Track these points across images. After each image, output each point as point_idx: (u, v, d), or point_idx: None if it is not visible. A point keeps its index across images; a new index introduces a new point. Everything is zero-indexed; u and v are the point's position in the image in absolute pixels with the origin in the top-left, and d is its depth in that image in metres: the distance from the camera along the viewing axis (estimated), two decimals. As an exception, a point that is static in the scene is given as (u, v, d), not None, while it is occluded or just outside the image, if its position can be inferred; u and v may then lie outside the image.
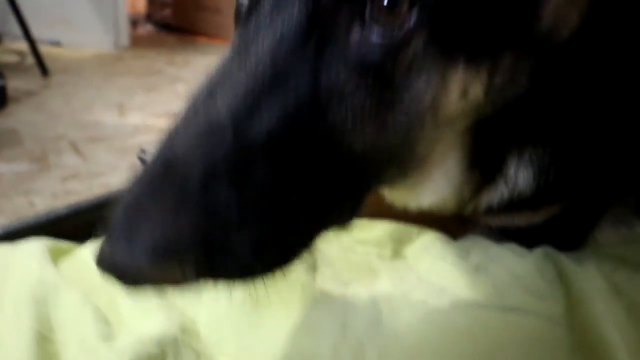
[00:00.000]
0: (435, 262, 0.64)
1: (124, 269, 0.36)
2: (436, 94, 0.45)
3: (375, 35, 0.41)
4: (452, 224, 0.76)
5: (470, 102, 0.48)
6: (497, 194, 0.66)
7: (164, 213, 0.36)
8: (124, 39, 3.63)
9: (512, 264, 0.65)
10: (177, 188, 0.37)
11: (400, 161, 0.51)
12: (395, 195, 0.66)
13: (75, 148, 1.90)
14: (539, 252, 0.69)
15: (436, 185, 0.62)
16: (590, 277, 0.62)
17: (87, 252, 0.61)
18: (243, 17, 0.46)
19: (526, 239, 0.73)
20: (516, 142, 0.64)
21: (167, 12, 4.59)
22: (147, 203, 0.37)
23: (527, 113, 0.60)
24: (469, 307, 0.55)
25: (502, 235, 0.74)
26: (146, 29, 4.52)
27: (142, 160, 0.82)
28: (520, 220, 0.72)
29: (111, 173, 1.73)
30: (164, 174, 0.38)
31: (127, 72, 3.07)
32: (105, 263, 0.37)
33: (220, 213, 0.37)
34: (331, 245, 0.62)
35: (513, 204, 0.67)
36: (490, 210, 0.69)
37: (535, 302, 0.58)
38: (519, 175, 0.65)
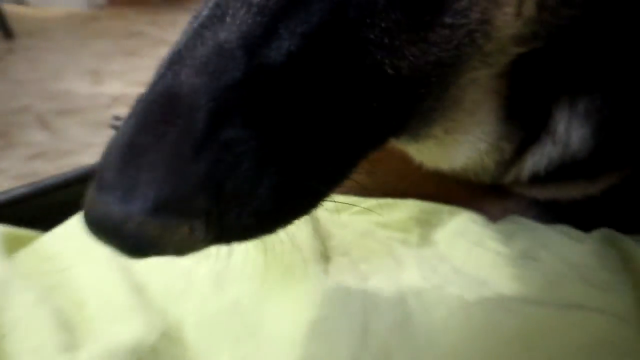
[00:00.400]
0: (472, 249, 0.60)
1: (119, 226, 0.32)
2: (487, 6, 0.44)
3: None
4: (490, 200, 0.72)
5: (524, 22, 0.47)
6: (545, 155, 0.63)
7: (168, 155, 0.33)
8: (100, -4, 3.58)
9: (567, 251, 0.61)
10: (182, 124, 0.34)
11: (436, 95, 0.51)
12: (424, 153, 0.64)
13: (43, 122, 1.86)
14: (597, 235, 0.66)
15: (469, 138, 0.60)
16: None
17: (51, 241, 0.57)
18: None
19: (581, 216, 0.69)
20: (566, 87, 0.60)
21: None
22: (147, 143, 0.34)
23: (580, 47, 0.56)
24: (517, 303, 0.51)
25: (551, 213, 0.70)
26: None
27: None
28: (573, 191, 0.68)
29: (84, 151, 1.69)
30: (165, 107, 0.35)
31: (103, 34, 3.02)
32: (96, 219, 0.33)
33: (235, 152, 0.35)
34: (346, 230, 0.58)
35: (565, 170, 0.63)
36: (536, 179, 0.65)
37: (598, 295, 0.54)
38: (571, 132, 0.61)
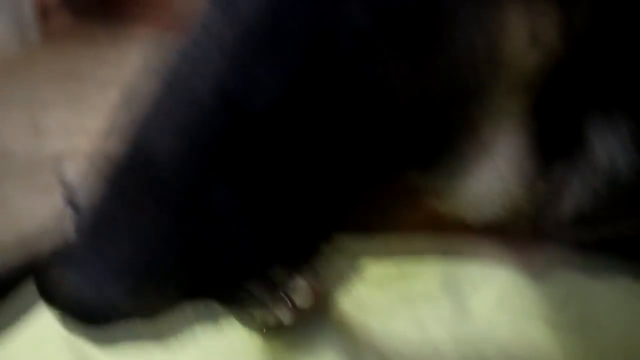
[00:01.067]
0: (518, 321, 0.60)
1: (88, 305, 0.34)
2: (494, 37, 0.46)
3: None
4: (530, 247, 0.73)
5: (545, 51, 0.49)
6: (587, 189, 0.63)
7: (145, 230, 0.36)
8: (33, 33, 3.60)
9: (632, 314, 0.61)
10: (160, 194, 0.37)
11: (450, 127, 0.53)
12: (450, 200, 0.64)
13: (-23, 189, 1.85)
14: None
15: (495, 178, 0.60)
16: None
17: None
18: None
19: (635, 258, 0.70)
20: (601, 104, 0.60)
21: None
22: (121, 216, 0.37)
23: (615, 52, 0.57)
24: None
25: (601, 258, 0.70)
26: (63, 18, 4.51)
27: (70, 199, 0.76)
28: (625, 229, 0.68)
29: (29, 220, 1.68)
30: (140, 173, 0.39)
31: (41, 77, 3.03)
32: (60, 298, 0.35)
33: (215, 215, 0.37)
34: (368, 315, 0.58)
35: (614, 207, 0.64)
36: (582, 218, 0.65)
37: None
38: (614, 157, 0.61)
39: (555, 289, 0.65)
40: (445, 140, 0.56)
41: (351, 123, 0.43)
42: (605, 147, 0.61)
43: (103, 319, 0.35)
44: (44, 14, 4.19)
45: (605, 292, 0.65)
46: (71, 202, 0.76)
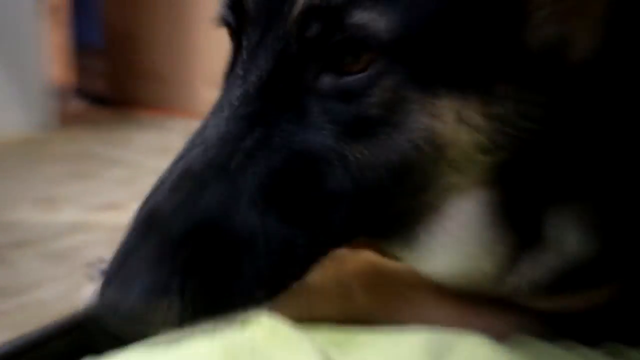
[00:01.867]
0: None
1: (119, 311, 0.44)
2: (427, 122, 0.49)
3: (344, 82, 0.49)
4: (495, 315, 0.73)
5: (471, 130, 0.51)
6: (542, 264, 0.64)
7: (149, 257, 0.44)
8: (50, 117, 3.60)
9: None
10: (160, 236, 0.45)
11: (407, 200, 0.56)
12: (419, 260, 0.66)
13: (-1, 256, 1.82)
14: (606, 352, 0.67)
15: (456, 242, 0.62)
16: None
17: None
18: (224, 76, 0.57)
19: (587, 329, 0.70)
20: (553, 193, 0.62)
21: (99, 82, 4.61)
22: (135, 249, 0.45)
23: (558, 156, 0.59)
24: None
25: (556, 325, 0.70)
26: (76, 104, 4.52)
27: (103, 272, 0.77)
28: (578, 302, 0.69)
29: (46, 285, 1.65)
30: (149, 223, 0.46)
31: (55, 158, 3.02)
32: (103, 308, 0.45)
33: (202, 257, 0.45)
34: None
35: (566, 280, 0.64)
36: (538, 289, 0.66)
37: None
38: (565, 239, 0.63)
39: (516, 351, 0.65)
40: (411, 210, 0.58)
41: (318, 196, 0.49)
42: (557, 230, 0.62)
43: (127, 323, 0.44)
44: (61, 101, 4.20)
45: (556, 352, 0.65)
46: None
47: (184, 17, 4.20)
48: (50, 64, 3.72)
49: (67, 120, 3.82)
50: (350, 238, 0.57)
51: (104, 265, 0.78)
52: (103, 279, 0.46)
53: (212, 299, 0.46)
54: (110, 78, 4.59)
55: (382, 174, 0.51)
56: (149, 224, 0.47)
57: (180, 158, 0.50)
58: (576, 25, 0.53)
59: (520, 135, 0.53)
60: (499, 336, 0.70)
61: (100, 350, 0.64)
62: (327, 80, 0.49)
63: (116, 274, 0.45)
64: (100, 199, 2.41)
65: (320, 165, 0.49)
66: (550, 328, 0.70)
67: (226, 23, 0.59)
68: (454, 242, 0.62)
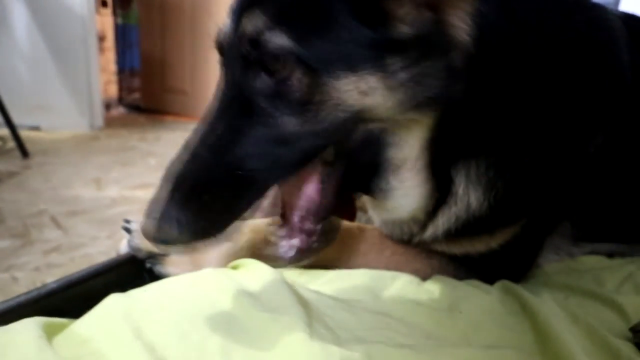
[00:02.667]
0: (414, 306, 0.60)
1: (150, 231, 0.49)
2: (337, 98, 0.50)
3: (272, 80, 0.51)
4: (420, 260, 0.73)
5: (375, 98, 0.51)
6: (452, 215, 0.64)
7: (162, 201, 0.49)
8: (99, 120, 3.54)
9: (481, 301, 0.62)
10: (169, 186, 0.50)
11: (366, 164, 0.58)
12: (378, 205, 0.67)
13: (56, 222, 1.78)
14: (499, 286, 0.68)
15: (407, 194, 0.62)
16: (549, 307, 0.61)
17: (82, 327, 0.53)
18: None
19: (484, 267, 0.70)
20: (460, 153, 0.61)
21: (136, 95, 4.54)
22: (156, 197, 0.51)
23: (461, 120, 0.58)
24: (453, 347, 0.52)
25: (465, 267, 0.71)
26: (118, 111, 4.44)
27: (128, 230, 0.77)
28: (479, 246, 0.69)
29: (92, 244, 1.63)
30: (164, 180, 0.51)
31: (103, 150, 2.97)
32: (143, 229, 0.50)
33: (192, 198, 0.50)
34: (318, 298, 0.58)
35: (470, 227, 0.64)
36: (449, 235, 0.66)
37: (508, 335, 0.56)
38: (469, 194, 0.63)
39: (434, 286, 0.65)
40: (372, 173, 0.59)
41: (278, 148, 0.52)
42: (463, 187, 0.62)
43: (157, 237, 0.49)
44: (106, 107, 4.13)
45: (463, 287, 0.64)
46: (128, 230, 0.76)
47: (199, 46, 4.16)
48: (100, 81, 3.65)
49: (111, 123, 3.75)
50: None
51: (127, 225, 0.78)
52: (147, 212, 0.51)
53: (199, 225, 0.50)
54: (144, 91, 4.53)
55: (318, 135, 0.52)
56: (165, 179, 0.51)
57: (187, 141, 0.54)
58: (449, 15, 0.52)
59: (424, 100, 0.53)
60: (424, 277, 0.70)
61: (125, 289, 0.62)
62: (263, 80, 0.52)
63: (147, 211, 0.50)
64: (136, 181, 2.38)
65: (271, 131, 0.52)
66: (462, 269, 0.71)
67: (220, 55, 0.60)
68: (399, 195, 0.62)
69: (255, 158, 0.51)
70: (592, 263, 0.79)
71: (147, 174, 2.50)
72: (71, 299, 0.67)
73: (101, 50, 4.04)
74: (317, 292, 0.61)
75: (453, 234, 0.65)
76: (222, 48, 0.57)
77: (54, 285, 0.69)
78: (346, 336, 0.51)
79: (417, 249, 0.72)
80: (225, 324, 0.50)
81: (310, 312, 0.53)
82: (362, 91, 0.51)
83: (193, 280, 0.61)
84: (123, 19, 4.67)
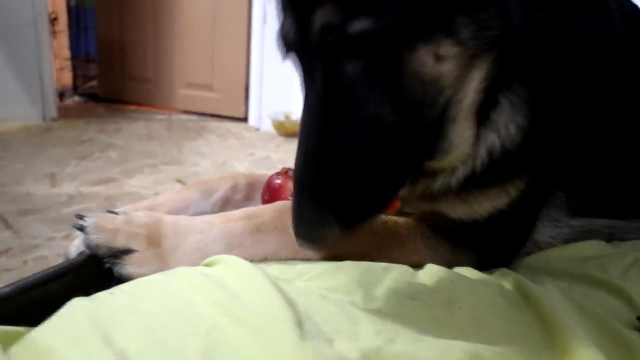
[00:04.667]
0: (409, 302, 0.59)
1: (302, 231, 0.54)
2: (417, 68, 0.54)
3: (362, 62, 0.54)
4: (414, 243, 0.73)
5: (450, 60, 0.55)
6: (484, 143, 0.65)
7: (305, 207, 0.54)
8: (52, 110, 3.43)
9: (481, 294, 0.61)
10: (303, 190, 0.55)
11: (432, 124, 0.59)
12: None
13: (6, 222, 1.71)
14: (498, 276, 0.67)
15: (463, 138, 0.64)
16: (554, 297, 0.60)
17: (41, 335, 0.49)
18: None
19: (482, 239, 0.71)
20: (506, 80, 0.64)
21: (93, 82, 4.42)
22: (300, 206, 0.55)
23: (510, 53, 0.62)
24: (457, 345, 0.50)
25: (460, 240, 0.72)
26: (74, 100, 4.31)
27: (81, 228, 0.69)
28: (486, 204, 0.70)
29: (47, 245, 1.56)
30: (297, 186, 0.56)
31: (57, 143, 2.87)
32: (298, 232, 0.55)
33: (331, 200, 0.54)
34: (306, 296, 0.56)
35: (494, 168, 0.66)
36: (471, 179, 0.67)
37: (513, 330, 0.55)
38: (506, 119, 0.65)
39: (430, 278, 0.64)
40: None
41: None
42: (500, 113, 0.64)
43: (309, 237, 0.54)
44: (60, 96, 4.00)
45: (462, 279, 0.63)
46: (81, 229, 0.70)
47: (164, 29, 4.07)
48: (52, 68, 3.53)
49: (66, 113, 3.64)
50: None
51: (81, 222, 0.72)
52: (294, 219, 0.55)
53: (346, 214, 0.54)
54: (102, 79, 4.41)
55: (413, 105, 0.55)
56: (295, 185, 0.55)
57: (298, 145, 0.56)
58: None
59: (485, 49, 0.57)
60: (419, 265, 0.69)
61: (89, 292, 0.59)
62: (352, 68, 0.54)
63: (296, 219, 0.55)
64: (95, 176, 2.31)
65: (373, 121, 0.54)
66: (459, 247, 0.72)
67: (288, 53, 0.62)
68: (456, 146, 0.63)
69: (363, 144, 0.54)
70: (595, 249, 0.80)
71: (107, 168, 2.43)
72: (27, 304, 0.63)
73: (53, 33, 3.90)
74: (304, 289, 0.59)
75: (470, 181, 0.67)
76: (293, 46, 0.59)
77: (7, 290, 0.64)
78: (339, 337, 0.49)
79: (409, 225, 0.72)
80: (205, 327, 0.48)
81: (298, 311, 0.50)
82: (438, 57, 0.54)
83: (165, 280, 0.58)
84: (77, 1, 4.53)
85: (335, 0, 0.53)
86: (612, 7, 0.74)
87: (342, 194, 0.54)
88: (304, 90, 0.59)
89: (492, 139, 0.66)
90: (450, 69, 0.56)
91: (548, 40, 0.66)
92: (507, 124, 0.66)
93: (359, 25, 0.51)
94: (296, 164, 0.57)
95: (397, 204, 0.66)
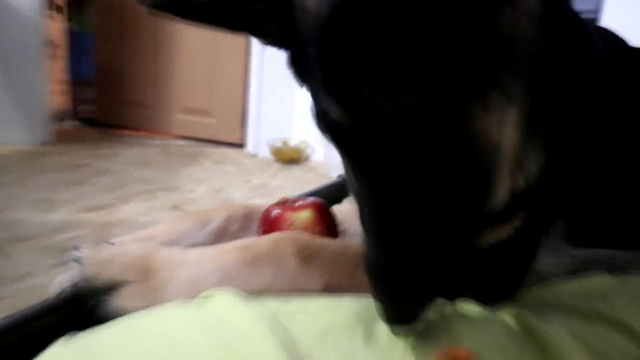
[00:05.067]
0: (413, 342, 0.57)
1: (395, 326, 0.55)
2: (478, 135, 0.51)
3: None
4: None
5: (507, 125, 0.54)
6: (513, 185, 0.63)
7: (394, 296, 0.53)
8: (48, 135, 3.43)
9: (487, 334, 0.60)
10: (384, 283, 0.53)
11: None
12: None
13: (-1, 250, 1.69)
14: (504, 314, 0.66)
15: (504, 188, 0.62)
16: (561, 337, 0.59)
17: None
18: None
19: (484, 269, 0.69)
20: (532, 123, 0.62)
21: (91, 107, 4.44)
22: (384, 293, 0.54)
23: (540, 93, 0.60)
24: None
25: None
26: (71, 124, 4.33)
27: (77, 260, 0.68)
28: (490, 236, 0.68)
29: (40, 273, 1.54)
30: (374, 278, 0.53)
31: (52, 168, 2.87)
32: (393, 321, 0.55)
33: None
34: (307, 332, 0.55)
35: (511, 206, 0.64)
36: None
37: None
38: (530, 156, 0.63)
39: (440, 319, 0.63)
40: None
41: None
42: (525, 150, 0.62)
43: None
44: (58, 120, 4.01)
45: (467, 317, 0.63)
46: (77, 261, 0.69)
47: (162, 56, 4.11)
48: (50, 92, 3.55)
49: (63, 138, 3.65)
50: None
51: (77, 253, 0.71)
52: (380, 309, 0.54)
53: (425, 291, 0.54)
54: (100, 103, 4.43)
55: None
56: (370, 277, 0.54)
57: (374, 235, 0.53)
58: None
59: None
60: None
61: (80, 329, 0.57)
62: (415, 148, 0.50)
63: (382, 309, 0.54)
64: (90, 202, 2.29)
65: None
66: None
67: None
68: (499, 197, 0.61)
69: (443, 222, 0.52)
70: (599, 282, 0.78)
71: (102, 194, 2.42)
72: (19, 340, 0.62)
73: (53, 58, 3.94)
74: (305, 326, 0.58)
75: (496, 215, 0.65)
76: (338, 132, 0.54)
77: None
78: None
79: None
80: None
81: (299, 347, 0.50)
82: (497, 121, 0.52)
83: (157, 317, 0.57)
84: (78, 25, 4.59)
85: (380, 77, 0.47)
86: (598, 45, 0.75)
87: (432, 268, 0.52)
88: (352, 176, 0.58)
89: (517, 180, 0.64)
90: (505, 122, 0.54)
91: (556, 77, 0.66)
92: (529, 163, 0.64)
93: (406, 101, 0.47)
94: (372, 255, 0.53)
95: None
